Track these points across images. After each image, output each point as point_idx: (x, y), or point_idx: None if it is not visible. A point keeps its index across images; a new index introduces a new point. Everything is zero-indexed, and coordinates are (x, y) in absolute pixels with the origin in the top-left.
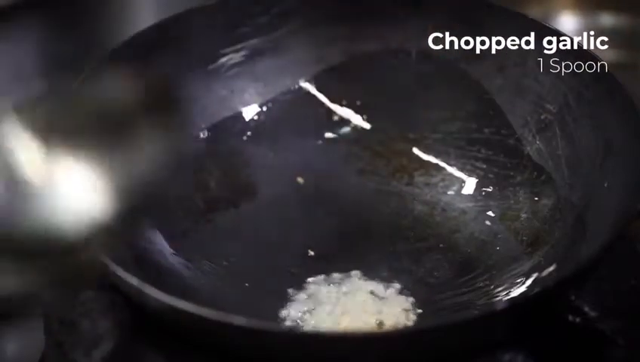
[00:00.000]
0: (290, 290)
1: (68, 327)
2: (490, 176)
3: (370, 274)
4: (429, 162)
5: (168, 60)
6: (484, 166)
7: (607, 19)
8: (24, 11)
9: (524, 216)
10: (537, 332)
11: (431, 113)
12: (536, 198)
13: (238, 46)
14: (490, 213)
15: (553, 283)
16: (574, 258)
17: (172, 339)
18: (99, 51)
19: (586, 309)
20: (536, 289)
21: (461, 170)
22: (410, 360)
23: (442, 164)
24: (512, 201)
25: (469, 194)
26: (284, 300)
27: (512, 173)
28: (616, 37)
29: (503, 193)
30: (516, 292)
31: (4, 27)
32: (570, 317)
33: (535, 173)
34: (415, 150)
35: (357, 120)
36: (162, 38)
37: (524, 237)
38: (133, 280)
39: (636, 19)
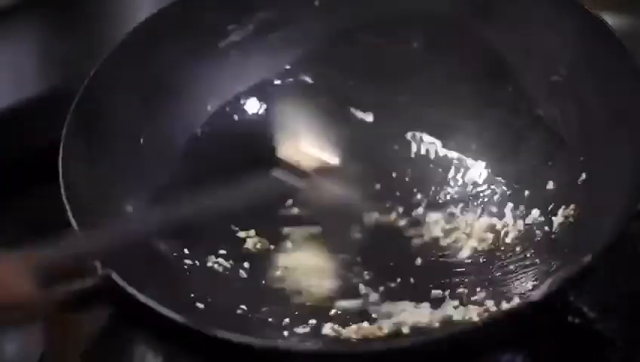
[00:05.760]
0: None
1: (67, 327)
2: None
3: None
4: (440, 126)
5: (180, 40)
6: (496, 129)
7: (607, 19)
8: (24, 11)
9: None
10: (536, 332)
11: (438, 77)
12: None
13: (245, 21)
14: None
15: (553, 287)
16: (573, 259)
17: (171, 340)
18: (99, 51)
19: (585, 310)
20: (536, 296)
21: (472, 135)
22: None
23: (454, 129)
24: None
25: (482, 159)
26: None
27: (524, 136)
28: None
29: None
30: (515, 292)
31: (4, 27)
32: (570, 318)
33: (546, 137)
34: (426, 114)
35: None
36: (170, 21)
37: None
38: (143, 298)
39: (636, 19)
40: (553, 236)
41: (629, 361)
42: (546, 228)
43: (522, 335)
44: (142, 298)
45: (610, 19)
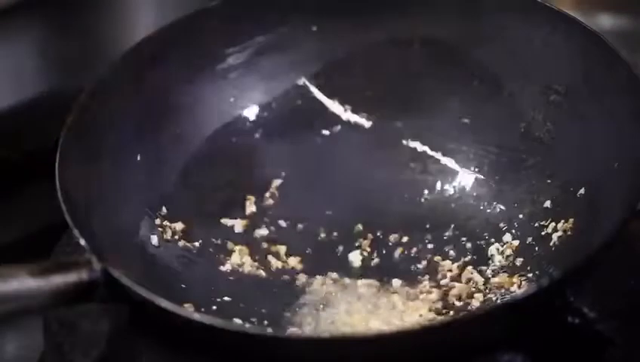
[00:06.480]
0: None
1: (67, 327)
2: (503, 160)
3: (384, 267)
4: (439, 149)
5: (175, 63)
6: (496, 151)
7: (607, 19)
8: (24, 11)
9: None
10: (536, 332)
11: (438, 100)
12: (549, 181)
13: (243, 45)
14: (502, 198)
15: (549, 283)
16: (571, 258)
17: (171, 339)
18: (100, 52)
19: (585, 310)
20: (532, 290)
21: (471, 157)
22: (407, 360)
23: (453, 151)
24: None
25: (481, 180)
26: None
27: (523, 157)
28: (616, 37)
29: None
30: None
31: (4, 27)
32: (569, 318)
33: (545, 156)
34: (425, 137)
35: (363, 114)
36: (169, 41)
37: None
38: (143, 292)
39: (636, 19)
40: (553, 249)
41: (629, 361)
42: (545, 243)
43: (522, 335)
44: (142, 291)
45: (610, 19)
